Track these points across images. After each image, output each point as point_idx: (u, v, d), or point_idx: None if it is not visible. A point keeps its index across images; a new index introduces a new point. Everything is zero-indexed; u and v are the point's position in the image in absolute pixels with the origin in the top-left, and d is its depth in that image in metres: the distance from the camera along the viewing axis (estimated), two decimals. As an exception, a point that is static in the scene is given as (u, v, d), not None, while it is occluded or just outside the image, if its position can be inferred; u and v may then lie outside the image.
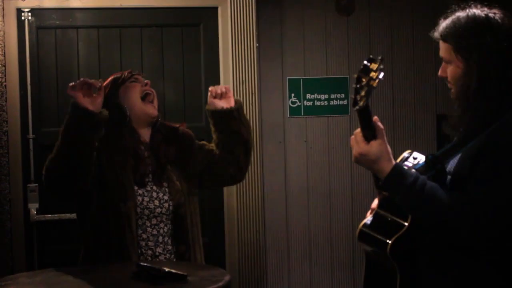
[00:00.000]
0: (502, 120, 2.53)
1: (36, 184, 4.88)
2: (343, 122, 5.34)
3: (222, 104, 3.69)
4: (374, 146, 2.58)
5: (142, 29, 5.06)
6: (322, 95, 5.37)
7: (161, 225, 3.46)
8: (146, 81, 3.61)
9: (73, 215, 4.83)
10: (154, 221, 3.44)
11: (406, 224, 2.60)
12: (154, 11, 5.05)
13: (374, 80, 2.47)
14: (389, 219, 2.69)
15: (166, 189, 3.49)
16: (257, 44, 5.04)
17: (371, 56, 2.50)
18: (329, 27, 5.43)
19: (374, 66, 2.48)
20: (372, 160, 2.59)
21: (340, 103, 5.39)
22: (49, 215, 4.89)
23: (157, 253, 3.41)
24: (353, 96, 2.51)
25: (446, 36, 2.62)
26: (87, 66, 4.98)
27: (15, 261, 4.85)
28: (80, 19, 4.98)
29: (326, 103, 5.38)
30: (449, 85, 2.69)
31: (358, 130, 2.61)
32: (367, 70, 2.48)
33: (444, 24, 2.65)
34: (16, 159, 4.89)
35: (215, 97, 3.70)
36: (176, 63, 5.08)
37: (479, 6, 2.64)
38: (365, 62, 2.49)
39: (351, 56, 5.45)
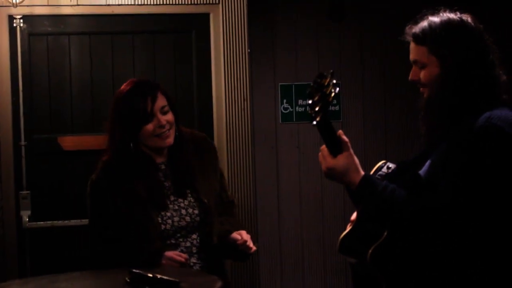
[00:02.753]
0: (469, 122, 2.57)
1: (28, 191, 4.88)
2: (335, 128, 5.34)
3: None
4: (340, 160, 2.62)
5: (134, 35, 5.07)
6: (314, 101, 5.36)
7: (193, 236, 3.47)
8: (160, 107, 3.46)
9: (66, 222, 4.88)
10: (188, 235, 3.45)
11: (384, 232, 2.61)
12: (146, 18, 5.05)
13: (329, 95, 2.49)
14: (368, 229, 2.71)
15: (195, 203, 3.48)
16: (248, 50, 5.05)
17: (321, 72, 2.53)
18: (320, 33, 5.44)
19: (325, 81, 2.50)
20: (341, 173, 2.62)
21: (332, 109, 5.38)
22: (42, 222, 4.89)
23: (191, 263, 3.42)
24: (309, 111, 2.53)
25: (423, 38, 2.66)
26: (79, 72, 4.98)
27: (8, 268, 4.85)
28: (72, 26, 4.98)
29: (318, 109, 5.38)
30: (421, 88, 2.73)
31: (324, 146, 2.64)
32: (319, 86, 2.51)
33: (418, 27, 2.69)
34: (8, 166, 4.88)
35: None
36: (168, 69, 5.08)
37: (449, 10, 2.72)
38: (316, 78, 2.52)
39: (343, 62, 5.46)
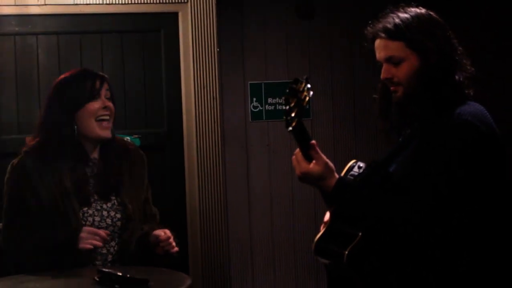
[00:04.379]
0: (444, 118, 2.58)
1: (-4, 192, 4.83)
2: (305, 124, 5.34)
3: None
4: (316, 165, 2.61)
5: (103, 35, 5.04)
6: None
7: (112, 243, 3.39)
8: (106, 91, 3.46)
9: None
10: (105, 241, 3.37)
11: (359, 233, 2.62)
12: (114, 17, 5.03)
13: (304, 100, 2.49)
14: (342, 230, 2.71)
15: (118, 207, 3.41)
16: (218, 49, 5.04)
17: (296, 78, 2.53)
18: (289, 32, 5.45)
19: (300, 87, 2.50)
20: (316, 178, 2.62)
21: (302, 107, 5.39)
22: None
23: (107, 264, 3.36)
24: (284, 118, 2.53)
25: (397, 33, 2.66)
26: (47, 72, 4.94)
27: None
28: (39, 26, 4.94)
29: (287, 107, 5.38)
30: (393, 87, 2.71)
31: (298, 150, 2.63)
32: (294, 92, 2.51)
33: (388, 23, 2.68)
34: (-25, 167, 4.84)
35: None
36: (137, 69, 5.06)
37: (414, 6, 2.74)
38: (291, 84, 2.52)
39: (312, 61, 5.47)
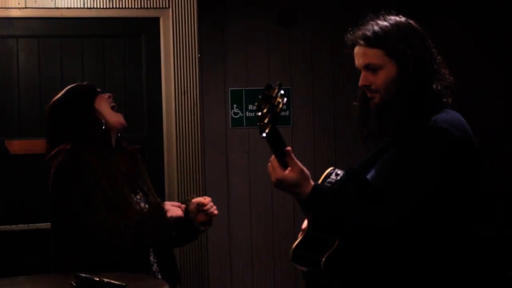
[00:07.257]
0: (420, 123, 2.59)
1: (-20, 194, 4.82)
2: (285, 132, 5.36)
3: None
4: (291, 172, 2.60)
5: (83, 39, 5.02)
6: (264, 106, 5.37)
7: None
8: (108, 94, 3.58)
9: (13, 227, 4.81)
10: None
11: (336, 240, 2.62)
12: (95, 21, 5.02)
13: (277, 106, 2.48)
14: (320, 237, 2.71)
15: (144, 198, 3.50)
16: (199, 55, 5.04)
17: (268, 84, 2.52)
18: (270, 39, 5.46)
19: (273, 92, 2.49)
20: (291, 185, 2.61)
21: (282, 114, 5.36)
22: (-10, 227, 4.83)
23: (152, 262, 3.42)
24: (258, 124, 2.52)
25: (376, 40, 2.67)
26: (27, 76, 4.92)
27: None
28: (20, 29, 4.92)
29: (268, 114, 5.39)
30: (370, 93, 2.73)
31: (273, 157, 2.62)
32: (267, 98, 2.50)
33: (368, 31, 2.69)
34: (-47, 170, 4.82)
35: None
36: (118, 73, 5.05)
37: (394, 14, 2.76)
38: (263, 90, 2.51)
39: (293, 67, 5.48)
